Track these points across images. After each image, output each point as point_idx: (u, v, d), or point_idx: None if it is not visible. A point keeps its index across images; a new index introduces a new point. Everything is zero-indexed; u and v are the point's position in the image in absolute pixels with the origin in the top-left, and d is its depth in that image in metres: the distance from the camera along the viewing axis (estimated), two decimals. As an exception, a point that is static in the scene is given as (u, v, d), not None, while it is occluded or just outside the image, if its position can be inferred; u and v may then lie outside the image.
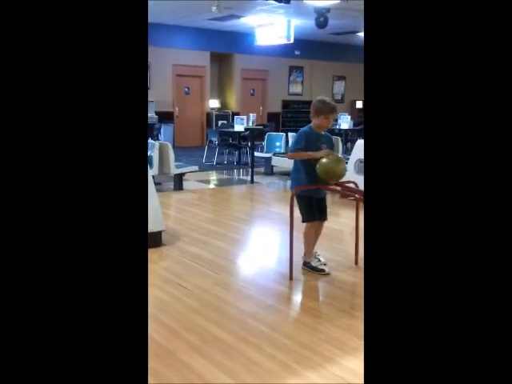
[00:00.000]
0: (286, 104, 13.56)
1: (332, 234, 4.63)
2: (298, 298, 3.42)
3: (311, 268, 3.66)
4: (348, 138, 10.72)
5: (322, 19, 7.95)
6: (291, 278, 3.52)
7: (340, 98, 14.38)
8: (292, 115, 13.49)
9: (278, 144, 8.61)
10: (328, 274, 3.63)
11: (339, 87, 14.47)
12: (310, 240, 3.70)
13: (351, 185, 3.74)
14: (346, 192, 3.70)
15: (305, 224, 3.67)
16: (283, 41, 9.23)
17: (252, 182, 7.70)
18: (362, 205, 3.65)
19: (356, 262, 3.86)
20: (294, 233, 3.51)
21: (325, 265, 3.70)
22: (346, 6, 7.85)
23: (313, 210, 3.61)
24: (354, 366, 2.37)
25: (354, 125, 11.16)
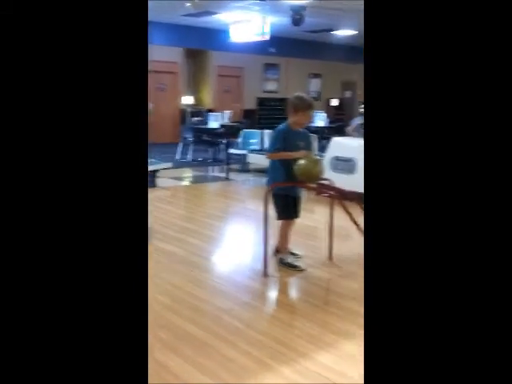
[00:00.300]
0: (261, 101, 13.55)
1: (306, 230, 4.64)
2: (272, 294, 3.42)
3: (287, 265, 3.67)
4: (324, 135, 10.77)
5: (298, 17, 7.96)
6: (266, 274, 3.52)
7: (316, 95, 14.45)
8: (268, 112, 13.50)
9: (253, 141, 8.60)
10: (303, 269, 3.64)
11: (315, 85, 14.53)
12: (286, 238, 3.71)
13: (326, 182, 3.77)
14: (322, 189, 3.72)
15: (280, 222, 3.68)
16: (259, 38, 9.21)
17: (227, 178, 7.68)
18: (336, 202, 3.68)
19: (330, 259, 3.89)
20: (269, 230, 3.51)
21: (300, 258, 3.72)
22: (321, 4, 7.89)
23: (289, 208, 3.62)
24: (328, 361, 2.39)
25: (330, 122, 11.22)
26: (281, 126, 3.58)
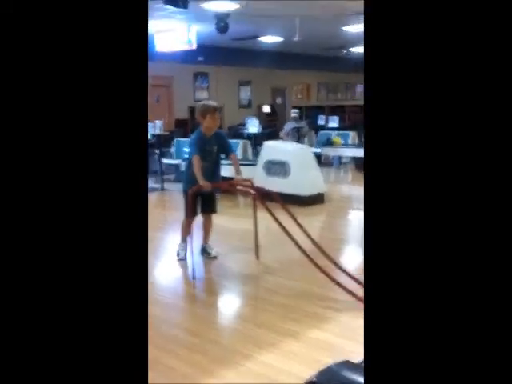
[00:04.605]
0: (193, 110, 13.49)
1: (245, 234, 4.66)
2: (211, 299, 3.40)
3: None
4: (257, 141, 10.88)
5: (222, 24, 7.99)
6: (194, 277, 3.53)
7: (247, 103, 14.57)
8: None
9: (186, 150, 8.54)
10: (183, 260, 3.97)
11: (245, 92, 14.65)
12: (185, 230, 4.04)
13: (247, 183, 3.88)
14: (243, 188, 3.94)
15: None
16: (185, 47, 9.17)
17: (162, 189, 7.58)
18: (258, 202, 3.74)
19: (257, 257, 3.93)
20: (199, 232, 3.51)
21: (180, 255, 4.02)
22: (245, 11, 7.97)
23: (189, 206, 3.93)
24: (270, 360, 2.40)
25: (263, 128, 11.35)
26: (194, 135, 3.89)
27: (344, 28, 9.85)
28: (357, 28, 9.77)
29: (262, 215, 3.91)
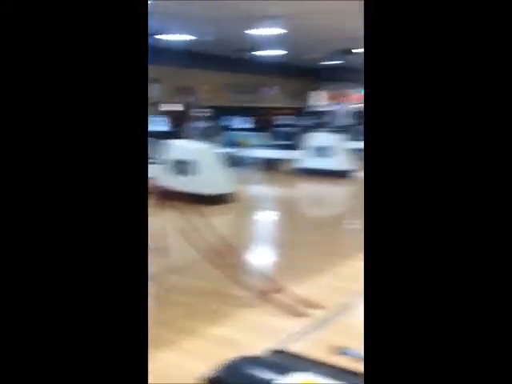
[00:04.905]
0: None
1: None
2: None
3: None
4: (164, 140, 10.75)
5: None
6: None
7: (154, 101, 14.34)
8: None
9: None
10: None
11: (154, 90, 14.42)
12: None
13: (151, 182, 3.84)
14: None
15: None
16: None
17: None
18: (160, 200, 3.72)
19: (159, 257, 3.87)
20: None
21: None
22: (150, 7, 7.85)
23: None
24: (171, 358, 2.42)
25: (171, 127, 11.25)
26: None
27: (248, 31, 9.94)
28: (261, 31, 9.90)
29: (165, 215, 3.89)
